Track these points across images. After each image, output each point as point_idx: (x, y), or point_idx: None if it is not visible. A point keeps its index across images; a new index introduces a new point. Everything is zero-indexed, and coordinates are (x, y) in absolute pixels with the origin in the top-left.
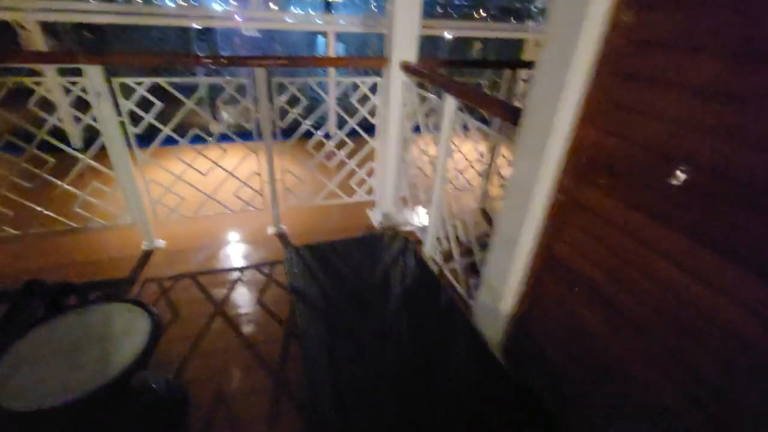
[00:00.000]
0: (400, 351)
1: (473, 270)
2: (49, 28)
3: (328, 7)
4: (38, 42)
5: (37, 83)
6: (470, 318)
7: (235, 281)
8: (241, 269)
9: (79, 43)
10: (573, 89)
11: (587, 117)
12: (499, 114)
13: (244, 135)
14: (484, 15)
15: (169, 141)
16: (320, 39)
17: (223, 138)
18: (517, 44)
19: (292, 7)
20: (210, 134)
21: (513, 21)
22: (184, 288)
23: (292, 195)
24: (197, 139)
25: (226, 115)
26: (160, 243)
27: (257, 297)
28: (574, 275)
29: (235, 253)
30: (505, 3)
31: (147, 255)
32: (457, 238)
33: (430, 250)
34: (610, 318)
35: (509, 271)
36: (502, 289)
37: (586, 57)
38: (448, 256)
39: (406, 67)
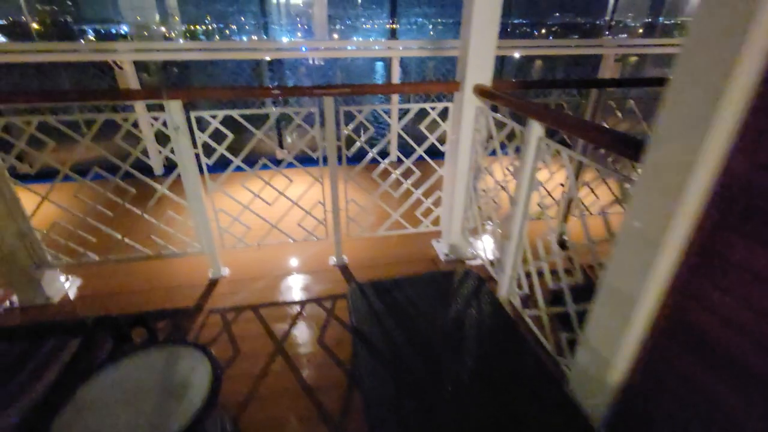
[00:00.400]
0: (477, 414)
1: (562, 321)
2: (141, 66)
3: (392, 34)
4: (132, 79)
5: (125, 119)
6: (564, 383)
7: (296, 316)
8: (301, 303)
9: (167, 78)
10: (728, 111)
11: (746, 147)
12: (607, 145)
13: (309, 161)
14: (544, 32)
15: (237, 167)
16: (378, 65)
17: (289, 164)
18: (588, 61)
19: (354, 37)
20: (276, 161)
21: (576, 37)
22: (246, 321)
23: (355, 225)
24: (264, 165)
25: (291, 140)
26: (225, 271)
27: (318, 335)
28: (712, 345)
29: (296, 284)
30: (567, 19)
31: (213, 283)
32: (541, 279)
33: (506, 291)
34: (757, 400)
35: (620, 333)
36: (610, 354)
37: (753, 65)
38: (527, 300)
39: (481, 91)
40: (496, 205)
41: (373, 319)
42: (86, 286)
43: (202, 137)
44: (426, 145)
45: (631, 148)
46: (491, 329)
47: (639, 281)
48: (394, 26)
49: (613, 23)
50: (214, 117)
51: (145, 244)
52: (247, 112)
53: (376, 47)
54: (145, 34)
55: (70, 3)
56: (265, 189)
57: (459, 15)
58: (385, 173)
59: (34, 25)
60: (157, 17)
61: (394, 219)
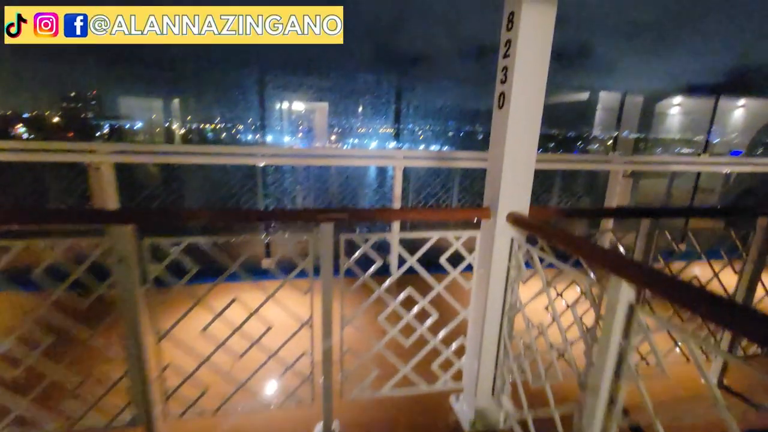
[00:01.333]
0: None
1: None
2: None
3: (396, 137)
4: (108, 183)
5: (52, 247)
6: None
7: None
8: None
9: (149, 176)
10: None
11: None
12: None
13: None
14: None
15: (203, 279)
16: (371, 167)
17: (271, 275)
18: (578, 172)
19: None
20: (261, 272)
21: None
22: None
23: (351, 381)
24: (236, 278)
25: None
26: None
27: None
28: None
29: None
30: (541, 131)
31: None
32: None
33: None
34: None
35: None
36: None
37: None
38: None
39: (517, 221)
40: (545, 359)
41: None
42: None
43: (155, 270)
44: (447, 281)
45: None
46: None
47: None
48: (388, 130)
49: (590, 137)
50: (176, 245)
51: (57, 415)
52: (222, 240)
53: (379, 155)
54: (157, 131)
55: (93, 102)
56: (229, 322)
57: (446, 124)
58: (394, 314)
59: (56, 119)
60: (169, 117)
61: (404, 373)
